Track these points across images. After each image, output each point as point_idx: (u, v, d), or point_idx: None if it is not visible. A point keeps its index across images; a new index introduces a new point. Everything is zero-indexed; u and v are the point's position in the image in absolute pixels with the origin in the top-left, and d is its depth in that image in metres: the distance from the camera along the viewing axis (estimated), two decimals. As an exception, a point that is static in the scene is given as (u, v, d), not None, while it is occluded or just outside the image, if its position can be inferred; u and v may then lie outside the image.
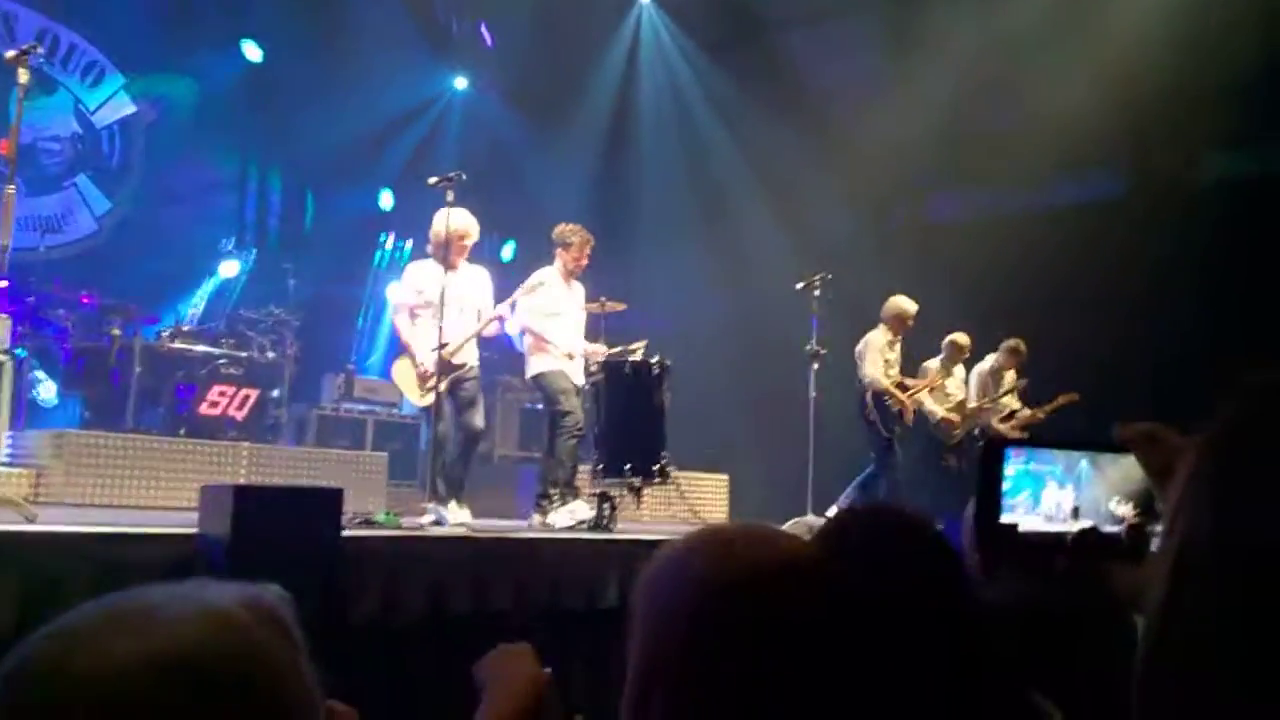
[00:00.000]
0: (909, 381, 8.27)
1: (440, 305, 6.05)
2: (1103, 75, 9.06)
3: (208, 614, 0.72)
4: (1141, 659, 0.78)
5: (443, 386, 6.17)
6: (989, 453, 1.07)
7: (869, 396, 7.97)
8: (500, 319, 6.49)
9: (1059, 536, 1.02)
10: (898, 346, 8.36)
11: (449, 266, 6.31)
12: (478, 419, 6.43)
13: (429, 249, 6.49)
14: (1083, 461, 1.06)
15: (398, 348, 6.70)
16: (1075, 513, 1.06)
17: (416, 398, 6.49)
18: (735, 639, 0.98)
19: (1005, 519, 1.07)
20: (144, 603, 0.73)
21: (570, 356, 6.64)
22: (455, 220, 6.28)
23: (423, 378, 6.30)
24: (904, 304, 8.30)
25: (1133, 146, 9.42)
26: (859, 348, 8.07)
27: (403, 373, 6.51)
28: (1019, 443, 1.08)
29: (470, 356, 6.46)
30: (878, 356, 8.10)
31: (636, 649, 1.05)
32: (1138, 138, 9.22)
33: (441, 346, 6.11)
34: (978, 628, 1.53)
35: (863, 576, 1.46)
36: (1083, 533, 1.01)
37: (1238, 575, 0.73)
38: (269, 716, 0.71)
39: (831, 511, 6.58)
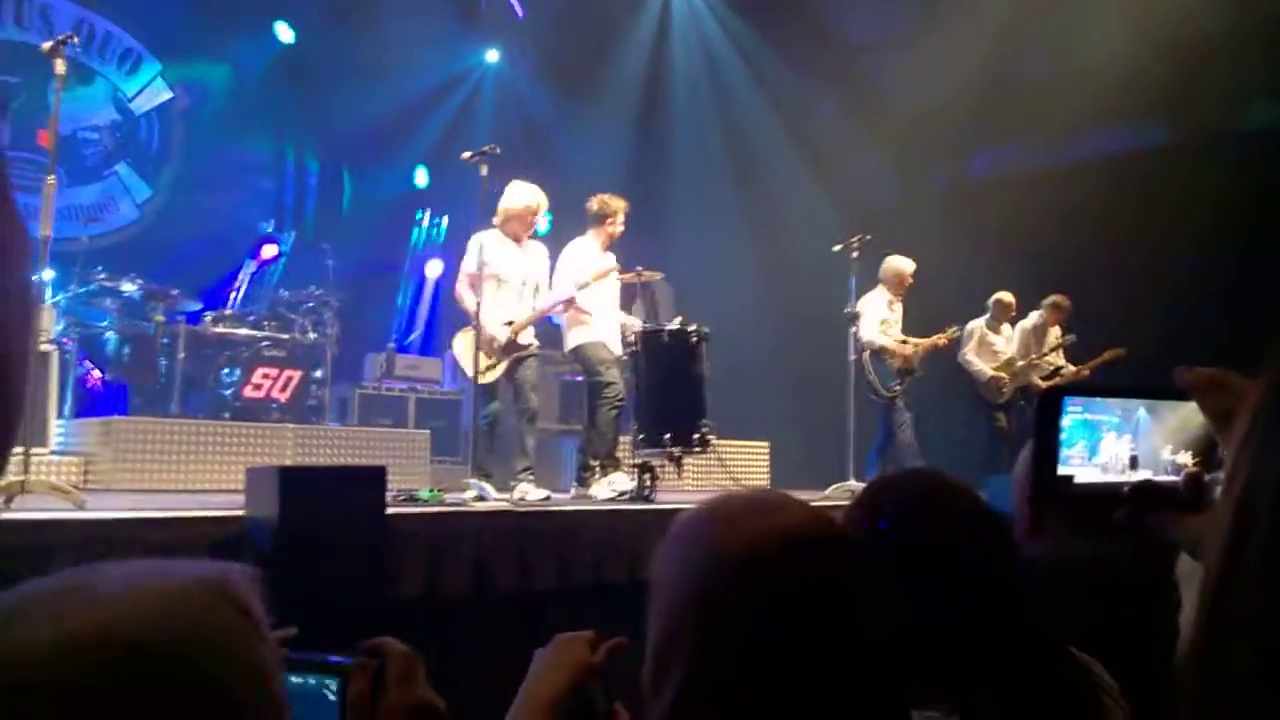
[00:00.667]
0: (911, 340, 8.16)
1: (507, 280, 6.10)
2: (1145, 22, 8.86)
3: (151, 591, 0.69)
4: (1203, 605, 0.75)
5: (503, 366, 6.16)
6: (1047, 402, 1.04)
7: (866, 357, 7.84)
8: (570, 300, 6.43)
9: (1116, 488, 0.99)
10: (898, 306, 8.24)
11: (516, 240, 6.31)
12: (535, 399, 6.41)
13: (496, 221, 6.40)
14: (1140, 410, 1.02)
15: (460, 320, 6.49)
16: (1134, 462, 1.04)
17: (478, 374, 6.20)
18: (743, 608, 0.98)
19: (1061, 471, 1.05)
20: (91, 579, 0.70)
21: (566, 306, 6.51)
22: (528, 195, 6.28)
23: (488, 351, 6.14)
24: (901, 264, 8.19)
25: (1177, 95, 9.20)
26: (857, 308, 7.92)
27: (464, 346, 6.24)
28: (1078, 390, 1.04)
29: (530, 335, 6.44)
30: (874, 317, 7.99)
31: (653, 621, 1.05)
32: (1182, 86, 9.00)
33: (510, 323, 6.13)
34: (1018, 589, 1.51)
35: (902, 539, 1.45)
36: (1140, 484, 0.98)
37: None
38: (207, 699, 0.67)
39: (857, 486, 6.56)
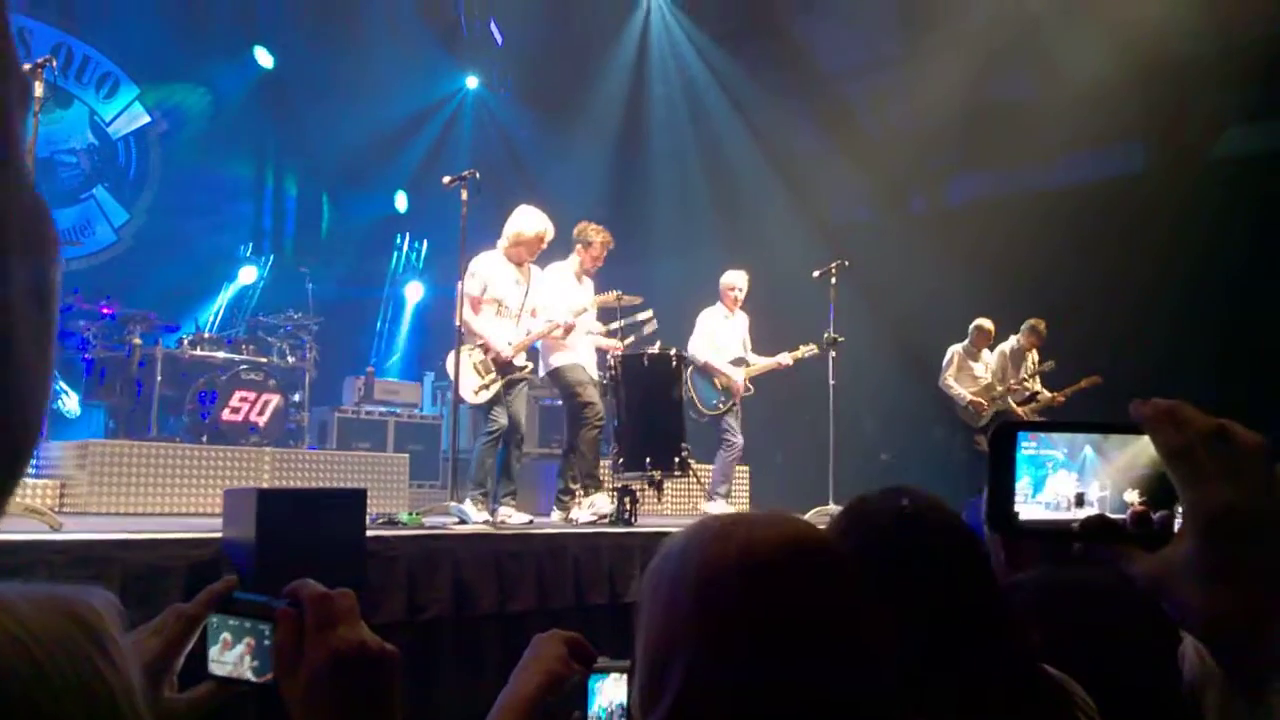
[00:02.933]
0: (751, 357, 7.99)
1: (508, 305, 6.15)
2: (1124, 48, 8.95)
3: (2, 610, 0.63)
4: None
5: (497, 387, 6.16)
6: (1000, 437, 1.05)
7: (689, 373, 7.48)
8: (570, 327, 6.43)
9: (1065, 524, 1.01)
10: (736, 320, 7.93)
11: (518, 265, 6.33)
12: (524, 425, 6.41)
13: (501, 244, 6.38)
14: (1086, 448, 1.03)
15: (447, 343, 6.43)
16: (1079, 500, 1.05)
17: (471, 394, 6.17)
18: (741, 616, 0.98)
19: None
20: None
21: (566, 332, 6.46)
22: (540, 222, 6.29)
23: (488, 369, 6.16)
24: (734, 278, 7.92)
25: (1156, 120, 9.30)
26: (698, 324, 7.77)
27: (462, 366, 6.19)
28: (1031, 426, 1.06)
29: (524, 359, 6.42)
30: (707, 333, 7.75)
31: (645, 637, 1.05)
32: (1161, 111, 9.10)
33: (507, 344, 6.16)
34: (992, 607, 1.52)
35: (879, 557, 1.46)
36: (1089, 519, 0.99)
37: None
38: None
39: (836, 510, 6.53)
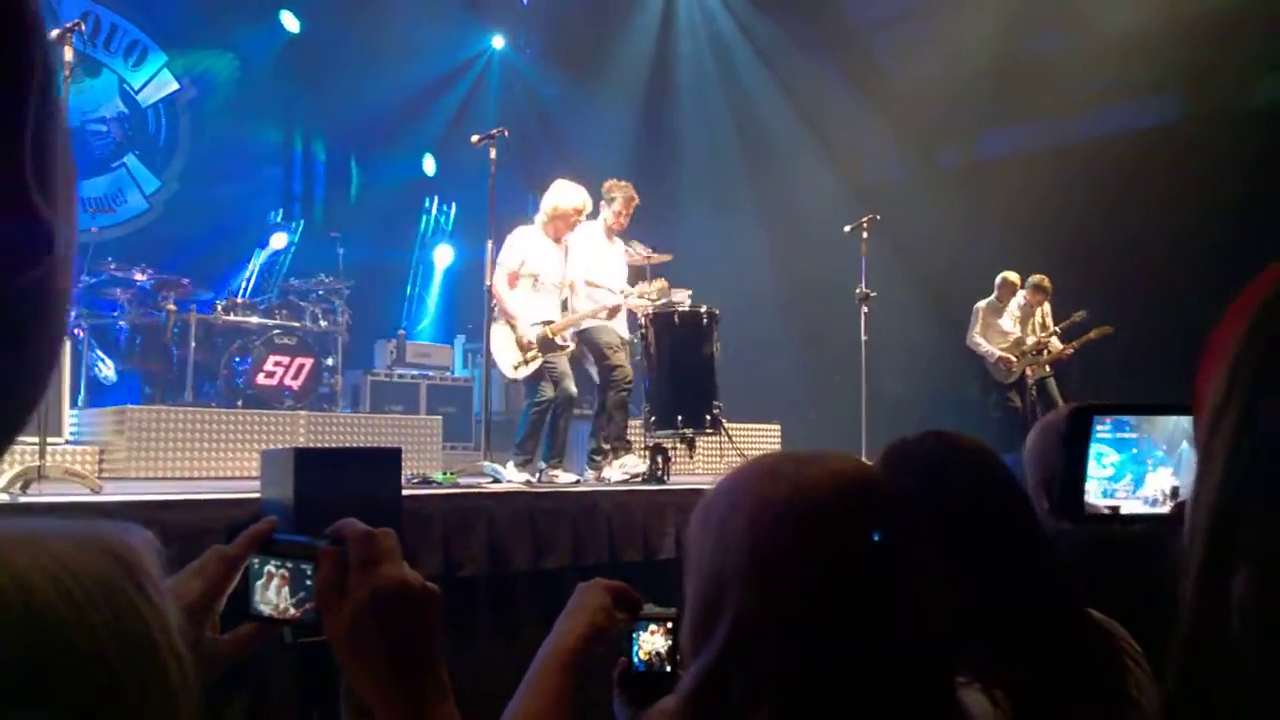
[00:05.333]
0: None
1: (545, 280, 6.16)
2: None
3: (43, 546, 0.63)
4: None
5: (538, 363, 6.18)
6: (1075, 423, 1.02)
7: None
8: (617, 308, 6.43)
9: (1127, 519, 0.99)
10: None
11: (555, 239, 6.32)
12: (571, 385, 6.40)
13: (538, 219, 6.41)
14: (1185, 443, 1.02)
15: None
16: (1174, 493, 1.03)
17: (510, 370, 6.26)
18: (795, 549, 0.98)
19: (1107, 503, 1.04)
20: None
21: (612, 314, 6.54)
22: (577, 196, 6.28)
23: (524, 348, 6.20)
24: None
25: (1191, 69, 9.10)
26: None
27: (500, 341, 6.28)
28: (1104, 409, 1.03)
29: (567, 337, 6.42)
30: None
31: (696, 580, 1.04)
32: (1196, 60, 8.91)
33: (547, 323, 6.15)
34: (1037, 551, 1.51)
35: (923, 497, 1.45)
36: (1137, 515, 0.98)
37: None
38: (74, 663, 0.61)
39: None
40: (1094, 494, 1.31)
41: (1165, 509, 1.03)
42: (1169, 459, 1.04)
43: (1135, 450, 1.02)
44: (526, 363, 6.19)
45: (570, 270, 6.48)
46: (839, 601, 0.96)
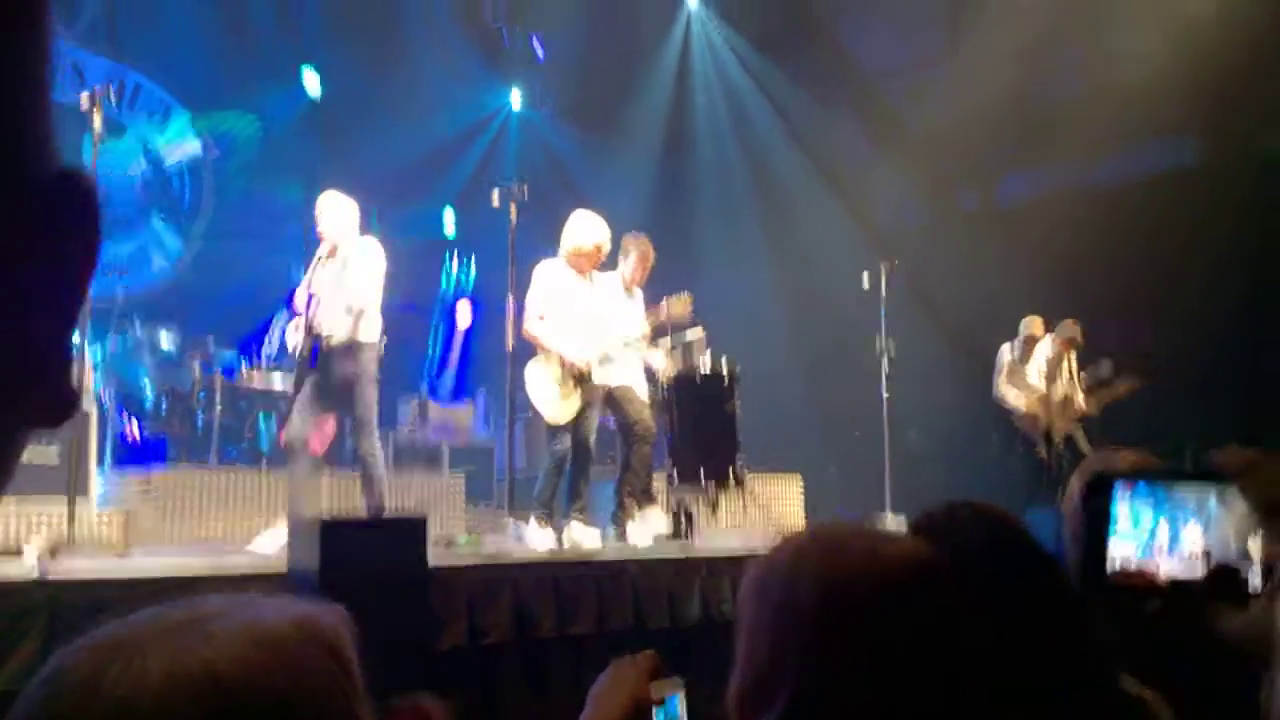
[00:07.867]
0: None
1: (575, 316, 6.03)
2: (1175, 40, 8.75)
3: (252, 632, 0.70)
4: None
5: (577, 399, 6.04)
6: (1096, 490, 1.03)
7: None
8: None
9: (1154, 584, 0.99)
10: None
11: (580, 273, 6.23)
12: (591, 439, 6.28)
13: (561, 254, 6.29)
14: (1211, 498, 1.02)
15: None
16: (1207, 557, 1.03)
17: (555, 410, 6.01)
18: (863, 635, 0.99)
19: (1141, 562, 1.04)
20: (190, 615, 0.72)
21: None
22: (597, 232, 6.18)
23: (567, 380, 6.01)
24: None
25: (1211, 113, 9.06)
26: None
27: (540, 381, 6.06)
28: (1127, 476, 1.04)
29: (609, 375, 6.31)
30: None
31: (750, 646, 1.05)
32: (1216, 104, 8.87)
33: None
34: (1069, 619, 1.51)
35: (957, 569, 1.45)
36: (1170, 581, 0.98)
37: None
38: None
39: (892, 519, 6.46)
40: (1133, 554, 1.31)
41: (1198, 573, 1.03)
42: (1198, 516, 1.04)
43: (1169, 506, 1.03)
44: (565, 398, 6.04)
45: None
46: (904, 679, 0.97)
